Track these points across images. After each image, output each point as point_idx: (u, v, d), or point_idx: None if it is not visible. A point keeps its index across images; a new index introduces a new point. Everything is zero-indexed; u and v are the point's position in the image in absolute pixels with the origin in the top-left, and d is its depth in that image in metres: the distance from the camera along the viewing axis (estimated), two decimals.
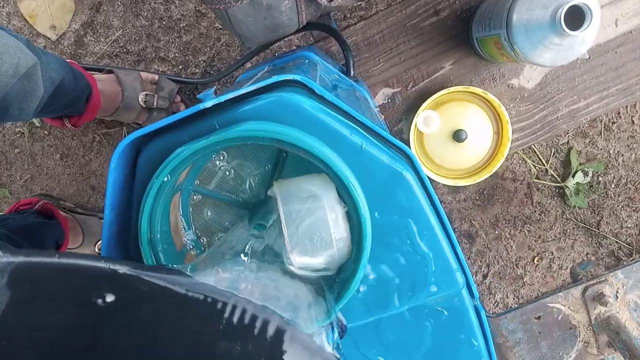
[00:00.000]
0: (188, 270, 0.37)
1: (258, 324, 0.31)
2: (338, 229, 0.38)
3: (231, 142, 0.36)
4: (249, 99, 0.40)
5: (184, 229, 0.43)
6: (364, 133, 0.42)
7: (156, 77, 1.17)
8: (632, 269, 0.94)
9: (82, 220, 1.18)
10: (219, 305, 0.31)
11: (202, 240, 0.44)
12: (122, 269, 0.31)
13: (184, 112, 0.38)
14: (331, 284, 0.40)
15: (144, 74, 1.16)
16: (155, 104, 1.14)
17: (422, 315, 0.45)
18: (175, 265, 0.39)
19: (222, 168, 0.43)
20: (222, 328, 0.31)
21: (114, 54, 1.23)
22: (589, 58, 0.93)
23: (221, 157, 0.42)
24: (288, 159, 0.44)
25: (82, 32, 1.21)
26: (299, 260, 0.38)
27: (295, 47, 1.22)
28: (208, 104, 0.38)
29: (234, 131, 0.36)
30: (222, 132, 0.36)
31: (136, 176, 0.41)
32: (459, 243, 1.39)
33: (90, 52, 1.22)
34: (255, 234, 0.41)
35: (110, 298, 0.30)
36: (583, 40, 0.70)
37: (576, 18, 0.67)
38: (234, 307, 0.31)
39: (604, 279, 0.94)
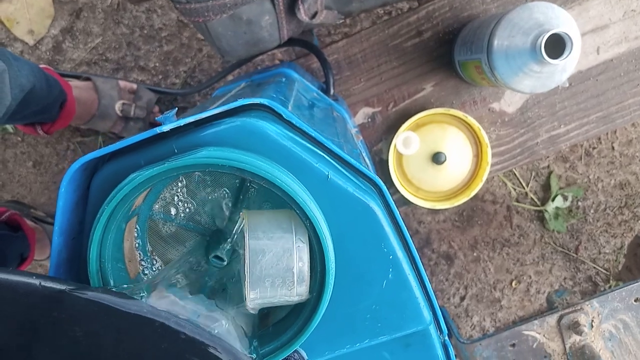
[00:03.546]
0: (143, 291, 0.35)
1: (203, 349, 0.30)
2: (302, 272, 0.36)
3: (188, 169, 0.34)
4: (211, 123, 0.38)
5: (140, 256, 0.41)
6: (332, 161, 0.41)
7: (135, 86, 1.15)
8: (608, 298, 0.93)
9: (51, 232, 1.15)
10: (158, 327, 0.30)
11: (159, 268, 0.42)
12: (55, 286, 0.29)
13: (140, 135, 0.36)
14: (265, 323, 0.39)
15: (122, 83, 1.14)
16: (132, 113, 1.12)
17: (387, 351, 0.44)
18: (124, 285, 0.37)
19: (182, 192, 0.41)
20: (163, 349, 0.29)
21: (93, 61, 1.20)
22: (570, 85, 0.93)
23: (181, 182, 0.40)
24: (254, 183, 0.42)
25: (60, 38, 1.19)
26: (257, 302, 0.36)
27: (278, 61, 1.21)
28: (166, 127, 0.36)
29: (190, 158, 0.34)
30: (178, 158, 0.34)
31: (89, 200, 0.39)
32: (437, 264, 1.38)
33: (68, 58, 1.20)
34: (213, 266, 0.39)
35: (43, 316, 0.29)
36: (563, 69, 0.69)
37: (557, 46, 0.66)
38: (176, 331, 0.30)
39: (579, 308, 0.94)
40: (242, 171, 0.35)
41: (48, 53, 1.19)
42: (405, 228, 0.41)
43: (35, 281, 0.29)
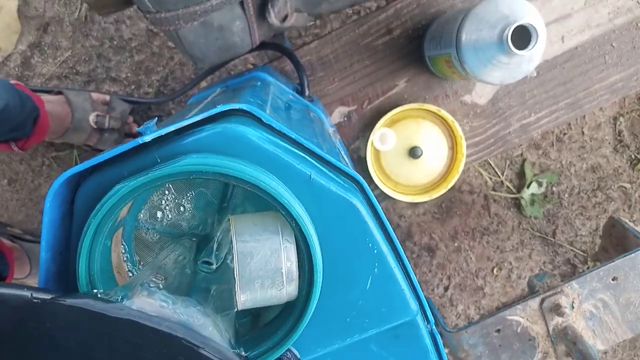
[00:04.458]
0: (118, 294, 0.36)
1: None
2: (291, 272, 0.37)
3: (171, 177, 0.35)
4: (191, 131, 0.39)
5: (128, 266, 0.41)
6: (314, 162, 0.42)
7: (107, 97, 1.14)
8: (587, 278, 0.96)
9: (29, 249, 1.13)
10: (150, 332, 0.30)
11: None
12: (45, 296, 0.30)
13: (122, 147, 0.37)
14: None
15: (94, 95, 1.13)
16: (106, 124, 1.11)
17: (377, 344, 0.45)
18: (94, 290, 0.37)
19: (167, 200, 0.41)
20: (156, 353, 0.30)
21: (63, 75, 1.19)
22: (538, 74, 0.95)
23: (166, 190, 0.40)
24: (237, 187, 0.43)
25: (29, 53, 1.17)
26: (248, 304, 0.37)
27: (250, 65, 1.21)
28: (147, 138, 0.36)
29: (173, 167, 0.34)
30: (161, 168, 0.35)
31: (74, 213, 0.39)
32: (419, 257, 1.39)
33: (38, 73, 1.18)
34: (202, 270, 0.40)
35: (35, 327, 0.29)
36: (530, 59, 0.71)
37: (523, 37, 0.68)
38: (169, 335, 0.30)
39: (559, 290, 0.96)
40: (225, 176, 0.35)
41: (17, 69, 1.18)
42: (388, 222, 0.42)
43: (26, 293, 0.30)
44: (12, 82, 1.03)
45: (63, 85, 1.19)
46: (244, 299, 0.37)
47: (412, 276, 0.44)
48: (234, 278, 0.37)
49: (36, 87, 1.14)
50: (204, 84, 1.19)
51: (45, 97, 1.08)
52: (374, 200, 0.43)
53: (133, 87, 1.21)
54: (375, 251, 0.41)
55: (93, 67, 1.19)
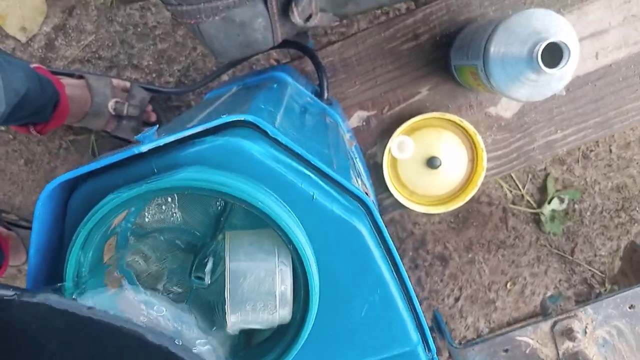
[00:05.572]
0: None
1: None
2: (284, 296, 0.35)
3: (166, 191, 0.33)
4: (193, 141, 0.37)
5: (119, 274, 0.40)
6: (318, 180, 0.40)
7: (128, 84, 1.13)
8: (602, 304, 0.93)
9: (25, 237, 1.13)
10: (137, 339, 0.29)
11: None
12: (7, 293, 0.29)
13: (117, 155, 0.35)
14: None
15: (115, 81, 1.12)
16: (125, 112, 1.11)
17: None
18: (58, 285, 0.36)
19: (163, 210, 0.40)
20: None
21: (86, 59, 1.19)
22: (568, 90, 0.92)
23: (163, 200, 0.39)
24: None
25: (53, 36, 1.17)
26: (238, 326, 0.35)
27: (273, 61, 1.20)
28: (144, 147, 0.35)
29: (169, 180, 0.33)
30: (156, 180, 0.33)
31: (67, 218, 0.38)
32: (431, 265, 1.37)
33: (61, 56, 1.18)
34: (195, 284, 0.38)
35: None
36: (560, 78, 0.68)
37: (555, 54, 0.65)
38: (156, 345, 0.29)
39: (573, 314, 0.93)
40: (222, 194, 0.34)
41: (40, 50, 1.18)
42: (394, 247, 0.40)
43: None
44: (34, 65, 1.03)
45: (85, 70, 1.19)
46: (234, 321, 0.36)
47: (416, 305, 0.42)
48: (225, 297, 0.35)
49: (58, 69, 1.13)
50: (225, 76, 1.18)
51: (66, 80, 1.08)
52: (381, 222, 0.41)
53: (154, 75, 1.20)
54: (378, 278, 0.39)
55: (116, 53, 1.19)
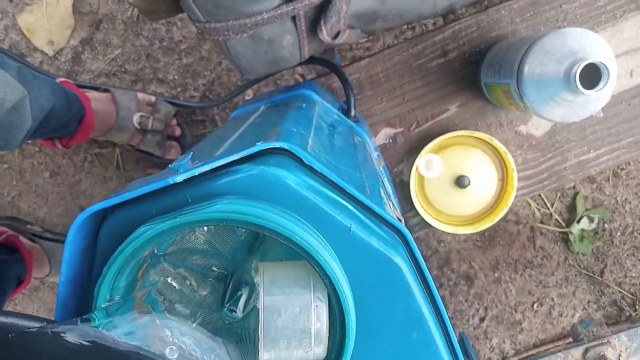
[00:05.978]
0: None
1: None
2: (320, 333, 0.34)
3: (201, 223, 0.32)
4: (226, 170, 0.36)
5: (148, 305, 0.39)
6: (354, 209, 0.38)
7: (153, 98, 1.14)
8: (637, 331, 0.89)
9: (49, 249, 1.13)
10: None
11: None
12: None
13: (151, 186, 0.34)
14: None
15: (140, 95, 1.13)
16: (150, 126, 1.11)
17: None
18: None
19: (196, 237, 0.39)
20: None
21: (112, 72, 1.19)
22: (603, 110, 0.89)
23: (196, 230, 0.38)
24: None
25: (80, 49, 1.18)
26: None
27: (298, 76, 1.19)
28: (178, 178, 0.34)
29: (203, 212, 0.32)
30: (191, 212, 0.32)
31: (97, 248, 0.37)
32: (456, 285, 1.34)
33: (87, 69, 1.19)
34: (227, 317, 0.37)
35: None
36: (598, 99, 0.66)
37: (591, 75, 0.63)
38: None
39: (606, 341, 0.90)
40: (258, 227, 0.32)
41: (67, 64, 1.19)
42: (433, 281, 0.39)
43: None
44: (60, 79, 1.03)
45: (111, 83, 1.19)
46: (267, 358, 0.34)
47: (454, 342, 0.40)
48: (259, 334, 0.34)
49: (84, 83, 1.14)
50: (249, 91, 1.17)
51: (92, 94, 1.08)
52: (418, 254, 0.40)
53: (179, 89, 1.20)
54: (417, 315, 0.38)
55: (141, 67, 1.19)
